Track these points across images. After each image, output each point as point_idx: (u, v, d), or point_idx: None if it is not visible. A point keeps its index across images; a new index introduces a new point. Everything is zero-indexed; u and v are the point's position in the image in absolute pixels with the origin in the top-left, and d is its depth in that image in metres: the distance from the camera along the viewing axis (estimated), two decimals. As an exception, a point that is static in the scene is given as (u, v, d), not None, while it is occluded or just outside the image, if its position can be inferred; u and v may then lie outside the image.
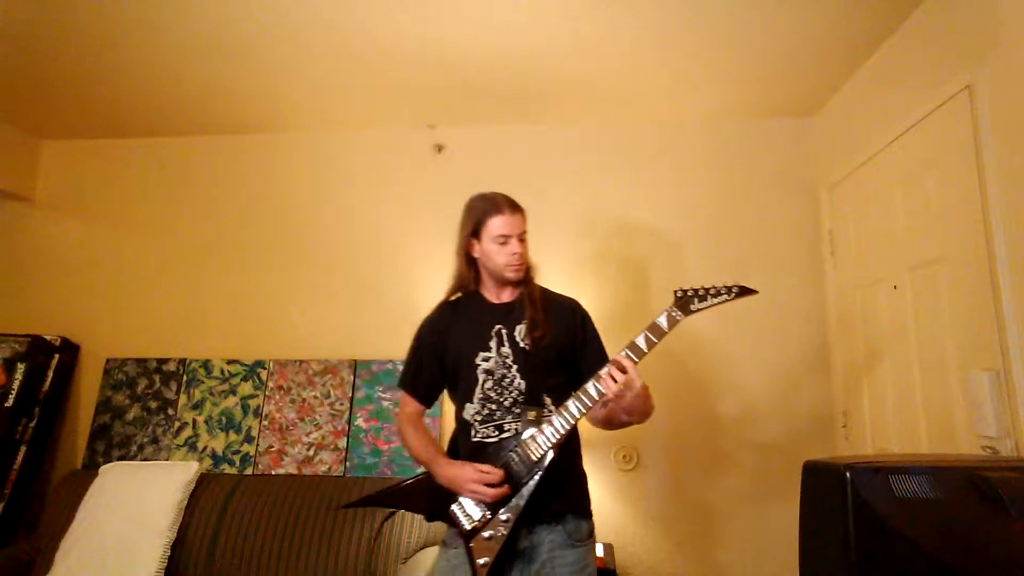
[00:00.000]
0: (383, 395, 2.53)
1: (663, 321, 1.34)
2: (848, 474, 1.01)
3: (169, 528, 2.16)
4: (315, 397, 2.55)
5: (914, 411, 1.87)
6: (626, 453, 2.43)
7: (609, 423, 1.48)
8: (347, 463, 2.45)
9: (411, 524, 2.17)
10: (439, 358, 1.53)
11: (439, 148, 2.78)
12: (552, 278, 2.55)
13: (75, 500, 2.27)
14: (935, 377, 1.78)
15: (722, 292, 1.35)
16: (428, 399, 1.58)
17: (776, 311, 2.50)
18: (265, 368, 2.62)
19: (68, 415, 2.71)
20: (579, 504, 1.44)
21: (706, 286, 1.35)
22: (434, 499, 1.42)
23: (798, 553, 1.17)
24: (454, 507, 1.39)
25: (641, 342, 1.35)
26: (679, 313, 1.35)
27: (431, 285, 2.65)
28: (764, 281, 2.52)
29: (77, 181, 2.94)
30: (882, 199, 2.07)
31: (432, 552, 2.17)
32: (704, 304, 1.35)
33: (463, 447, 1.46)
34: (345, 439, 2.49)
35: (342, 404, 2.53)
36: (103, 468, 2.36)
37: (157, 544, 2.12)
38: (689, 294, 1.36)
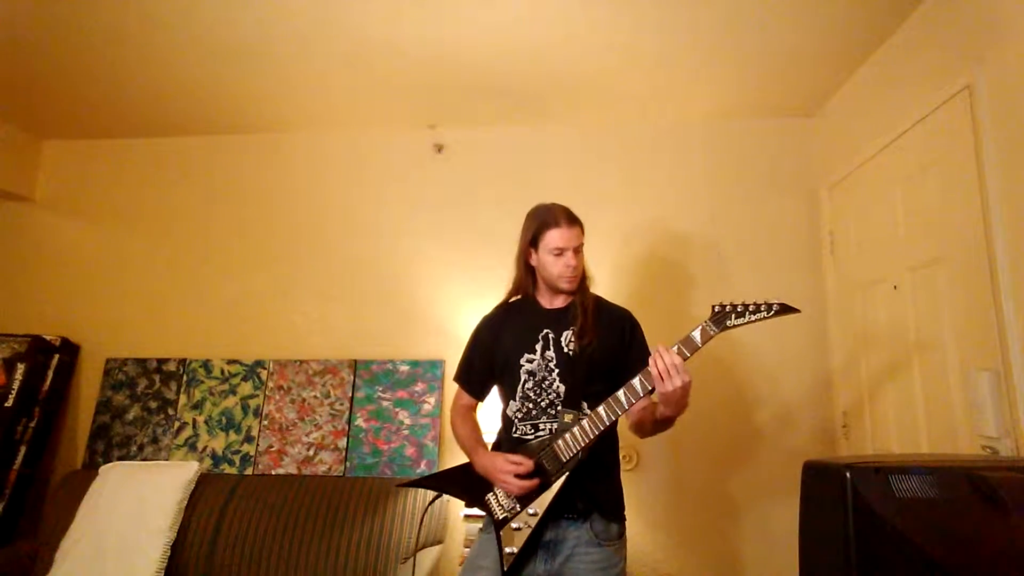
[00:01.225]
0: (383, 395, 2.53)
1: (697, 335, 1.32)
2: (848, 474, 1.01)
3: (169, 528, 2.16)
4: (315, 397, 2.55)
5: (914, 411, 1.87)
6: (626, 453, 2.43)
7: (653, 424, 1.47)
8: (347, 463, 2.45)
9: (411, 524, 2.17)
10: (490, 356, 1.60)
11: (439, 148, 2.78)
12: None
13: (75, 500, 2.27)
14: (935, 377, 1.77)
15: (762, 309, 1.29)
16: (479, 393, 1.66)
17: (776, 311, 2.50)
18: (265, 368, 2.62)
19: (68, 415, 2.71)
20: (607, 505, 1.46)
21: (746, 302, 1.31)
22: (473, 487, 1.50)
23: (798, 553, 1.17)
24: (489, 496, 1.47)
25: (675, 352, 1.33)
26: (714, 328, 1.32)
27: (431, 285, 2.66)
28: (764, 281, 2.52)
29: (77, 181, 2.94)
30: (882, 199, 2.07)
31: (432, 552, 2.17)
32: (741, 321, 1.31)
33: (504, 441, 1.54)
34: (345, 439, 2.49)
35: (342, 404, 2.53)
36: (103, 468, 2.36)
37: (157, 544, 2.12)
38: (727, 309, 1.32)
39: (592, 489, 1.43)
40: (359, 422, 2.50)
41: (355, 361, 2.59)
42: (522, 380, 1.51)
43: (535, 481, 1.40)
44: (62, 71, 2.34)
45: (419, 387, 2.51)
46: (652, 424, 1.46)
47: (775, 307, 1.28)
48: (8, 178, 2.82)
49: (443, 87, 2.44)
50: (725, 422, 2.46)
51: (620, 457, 1.59)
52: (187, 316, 2.75)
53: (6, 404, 2.46)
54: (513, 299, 1.66)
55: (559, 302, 1.59)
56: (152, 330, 2.75)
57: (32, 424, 2.53)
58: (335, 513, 2.19)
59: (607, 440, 1.49)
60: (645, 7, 1.92)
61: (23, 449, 2.50)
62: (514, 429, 1.51)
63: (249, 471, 2.48)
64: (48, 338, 2.63)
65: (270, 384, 2.59)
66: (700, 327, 1.32)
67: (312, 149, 2.86)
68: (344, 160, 2.84)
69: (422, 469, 2.42)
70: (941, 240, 1.76)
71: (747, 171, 2.63)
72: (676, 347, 1.31)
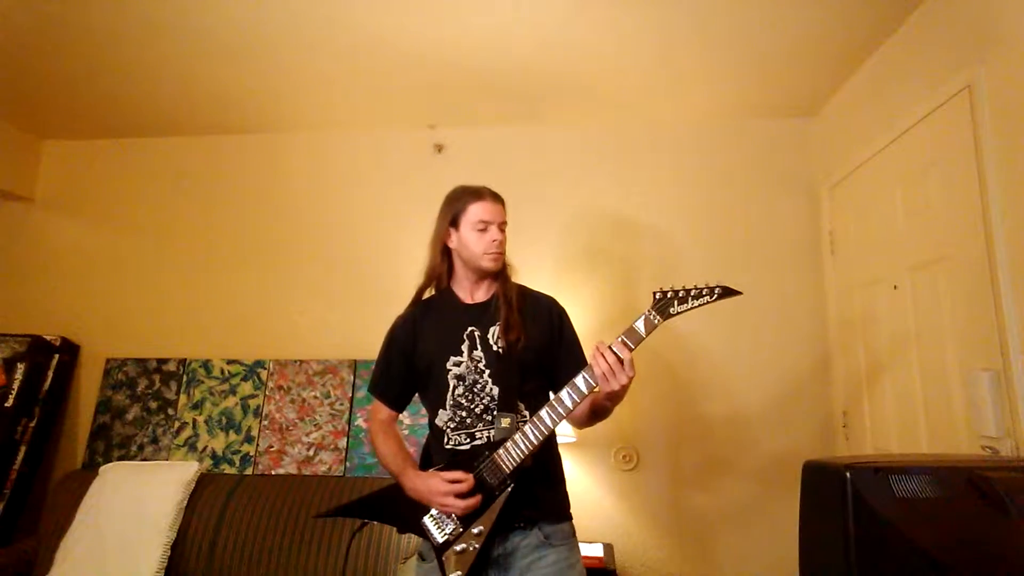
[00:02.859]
0: (383, 395, 2.52)
1: (640, 325, 1.24)
2: (848, 474, 1.01)
3: (169, 528, 2.16)
4: (315, 397, 2.55)
5: (914, 411, 1.87)
6: (626, 453, 2.43)
7: (590, 417, 1.41)
8: (347, 463, 2.45)
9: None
10: (409, 361, 1.46)
11: (439, 148, 2.78)
12: (549, 278, 2.56)
13: (75, 500, 2.27)
14: (935, 377, 1.77)
15: (704, 293, 1.24)
16: (399, 404, 1.51)
17: (776, 311, 2.50)
18: (265, 368, 2.61)
19: (68, 415, 2.71)
20: (555, 511, 1.37)
21: (687, 287, 1.25)
22: (406, 510, 1.34)
23: (798, 553, 1.17)
24: (426, 519, 1.33)
25: (616, 348, 1.24)
26: (657, 317, 1.25)
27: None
28: (764, 281, 2.52)
29: (77, 181, 2.94)
30: (882, 199, 2.07)
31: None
32: (684, 307, 1.24)
33: (436, 454, 1.41)
34: (345, 439, 2.49)
35: (342, 404, 2.53)
36: (103, 468, 2.36)
37: (157, 544, 2.12)
38: (669, 296, 1.25)
39: (540, 495, 1.34)
40: (359, 422, 2.50)
41: (355, 361, 2.59)
42: (451, 386, 1.38)
43: (477, 499, 1.26)
44: (62, 71, 2.33)
45: (419, 387, 2.51)
46: (590, 417, 1.40)
47: (717, 290, 1.23)
48: (8, 178, 2.82)
49: (443, 87, 2.44)
50: (725, 422, 2.46)
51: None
52: (187, 316, 2.75)
53: (6, 404, 2.46)
54: (428, 296, 1.52)
55: (481, 294, 1.47)
56: (152, 330, 2.75)
57: (32, 424, 2.53)
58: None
59: (548, 441, 1.36)
60: (645, 7, 1.91)
61: (23, 449, 2.50)
62: (446, 440, 1.37)
63: (249, 471, 2.48)
64: (48, 338, 2.63)
65: (270, 384, 2.59)
66: (643, 317, 1.25)
67: (312, 149, 2.86)
68: (344, 160, 2.84)
69: (422, 469, 2.42)
70: (941, 240, 1.76)
71: (747, 171, 2.63)
72: (620, 339, 1.24)
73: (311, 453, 2.48)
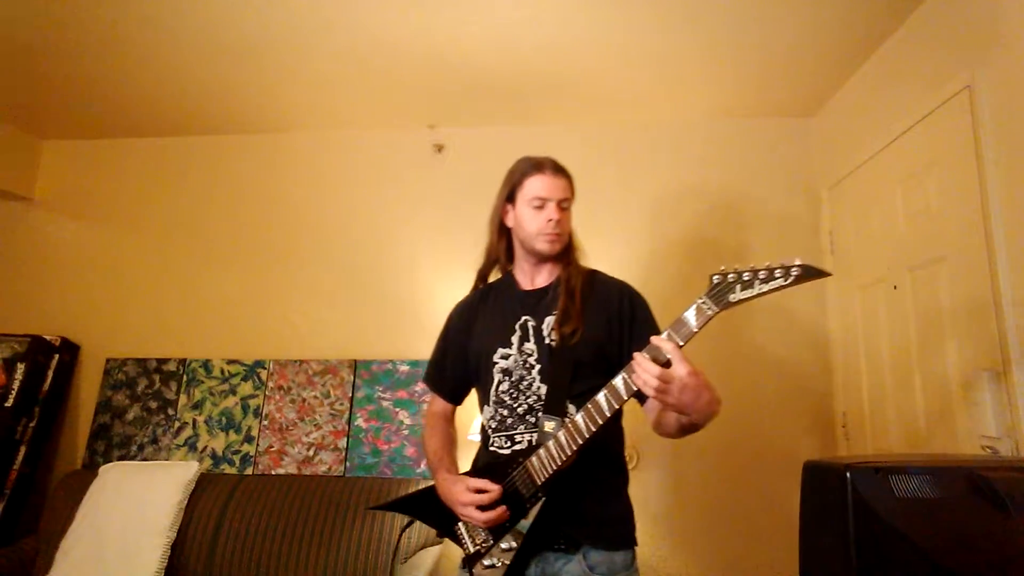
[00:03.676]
0: (383, 395, 2.52)
1: (691, 316, 0.99)
2: (848, 474, 1.01)
3: (169, 528, 2.16)
4: (315, 397, 2.55)
5: (914, 411, 1.87)
6: (626, 453, 2.43)
7: (678, 428, 1.15)
8: (347, 463, 2.45)
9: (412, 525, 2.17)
10: (464, 350, 1.33)
11: (439, 148, 2.78)
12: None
13: (75, 500, 2.27)
14: (935, 377, 1.77)
15: (777, 275, 0.94)
16: (456, 396, 1.39)
17: (776, 311, 2.50)
18: (265, 368, 2.61)
19: (68, 415, 2.71)
20: (606, 534, 1.18)
21: (755, 267, 0.98)
22: (442, 513, 1.22)
23: (798, 553, 1.16)
24: (460, 525, 1.21)
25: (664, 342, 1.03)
26: (712, 306, 0.99)
27: (431, 285, 2.66)
28: (764, 281, 2.52)
29: (77, 181, 2.94)
30: (882, 199, 2.07)
31: (432, 552, 2.17)
32: (749, 293, 0.97)
33: (480, 457, 1.30)
34: (345, 439, 2.48)
35: (342, 404, 2.53)
36: (103, 468, 2.36)
37: (157, 544, 2.12)
38: (730, 279, 0.99)
39: (587, 512, 1.16)
40: (359, 422, 2.50)
41: (355, 361, 2.59)
42: (496, 381, 1.24)
43: (501, 511, 1.12)
44: (62, 71, 2.33)
45: (419, 387, 2.51)
46: (677, 428, 1.15)
47: (794, 271, 0.92)
48: (8, 178, 2.81)
49: (443, 87, 2.44)
50: (725, 422, 2.43)
51: (626, 466, 1.29)
52: (187, 316, 2.75)
53: (6, 404, 2.46)
54: (491, 280, 1.39)
55: (542, 279, 1.31)
56: (152, 330, 2.75)
57: (32, 424, 2.53)
58: (335, 513, 2.19)
59: (604, 448, 1.21)
60: (645, 7, 1.92)
61: (23, 449, 2.50)
62: (490, 442, 1.25)
63: (249, 471, 2.48)
64: (48, 338, 2.63)
65: (270, 384, 2.59)
66: (694, 306, 1.00)
67: (312, 149, 2.86)
68: (344, 160, 2.84)
69: (422, 470, 2.42)
70: (941, 240, 1.76)
71: (747, 171, 2.63)
72: (666, 334, 1.01)
73: (311, 453, 2.48)
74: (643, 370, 0.98)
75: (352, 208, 2.78)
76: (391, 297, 2.67)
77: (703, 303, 1.00)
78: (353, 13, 1.96)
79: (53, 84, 2.44)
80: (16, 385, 2.49)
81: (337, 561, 2.10)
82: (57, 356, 2.64)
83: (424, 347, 2.63)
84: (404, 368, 2.55)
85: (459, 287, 2.82)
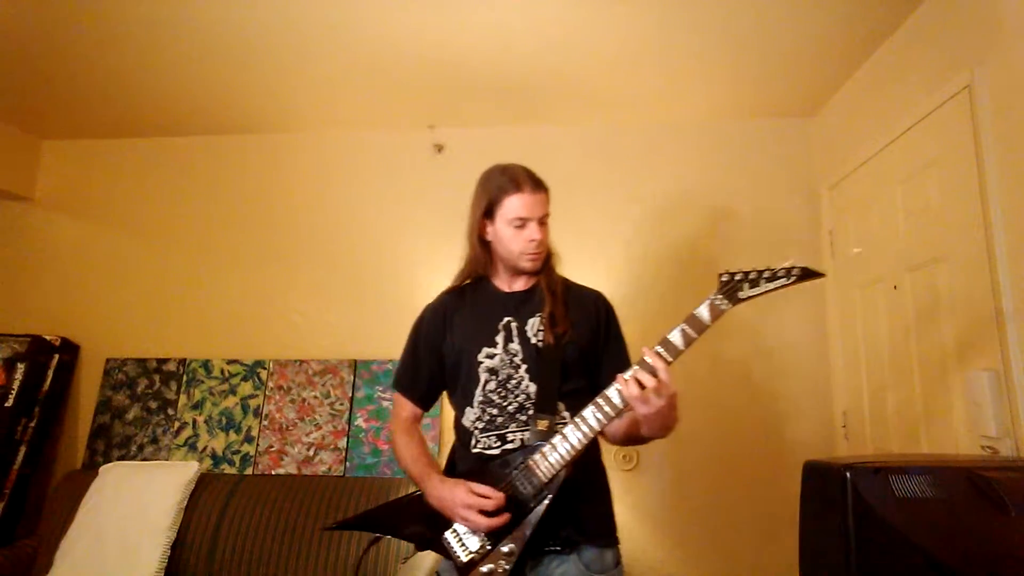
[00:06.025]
0: (383, 395, 2.53)
1: (704, 311, 1.08)
2: (848, 474, 1.01)
3: (169, 528, 2.16)
4: (315, 397, 2.55)
5: (914, 411, 1.87)
6: (626, 453, 2.43)
7: (628, 438, 1.26)
8: (347, 463, 2.45)
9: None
10: (438, 353, 1.33)
11: (439, 148, 2.78)
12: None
13: (75, 500, 2.27)
14: (935, 377, 1.77)
15: (780, 275, 1.07)
16: (425, 401, 1.39)
17: (776, 311, 2.50)
18: (265, 368, 2.61)
19: (68, 415, 2.71)
20: (600, 531, 1.22)
21: (759, 268, 1.11)
22: (426, 523, 1.20)
23: (798, 553, 1.17)
24: (448, 535, 1.18)
25: (676, 337, 1.09)
26: (724, 302, 1.09)
27: (431, 285, 2.65)
28: (764, 281, 2.52)
29: (77, 181, 2.94)
30: (882, 199, 2.07)
31: (433, 553, 2.17)
32: (756, 291, 1.09)
33: (461, 460, 1.28)
34: (345, 439, 2.49)
35: (342, 404, 2.53)
36: (103, 468, 2.36)
37: (157, 544, 2.12)
38: (737, 278, 1.10)
39: (580, 512, 1.18)
40: (359, 422, 2.50)
41: (355, 361, 2.59)
42: (482, 381, 1.24)
43: (506, 517, 1.12)
44: (62, 71, 2.33)
45: (419, 387, 2.51)
46: (624, 436, 1.25)
47: (795, 271, 1.07)
48: (8, 178, 2.81)
49: (443, 87, 2.43)
50: (725, 422, 2.45)
51: (606, 467, 1.33)
52: (187, 316, 2.75)
53: (6, 404, 2.46)
54: (462, 283, 1.39)
55: (519, 284, 1.34)
56: (152, 330, 2.75)
57: (32, 424, 2.53)
58: (335, 513, 2.19)
59: (591, 449, 1.23)
60: (644, 7, 1.91)
61: (23, 449, 2.49)
62: (474, 443, 1.24)
63: (249, 471, 2.48)
64: (48, 338, 2.63)
65: (270, 384, 2.59)
66: (707, 302, 1.10)
67: (312, 149, 2.86)
68: (344, 160, 2.83)
69: (422, 469, 2.42)
70: (941, 240, 1.76)
71: (747, 171, 2.63)
72: (680, 328, 1.09)
73: (311, 453, 2.48)
74: (634, 382, 1.06)
75: (352, 208, 2.78)
76: (391, 297, 2.67)
77: (716, 300, 1.10)
78: (353, 13, 1.96)
79: (53, 84, 2.43)
80: (16, 385, 2.49)
81: (337, 561, 2.10)
82: (57, 356, 2.64)
83: (424, 347, 2.65)
84: (404, 368, 2.55)
85: (459, 287, 2.80)
